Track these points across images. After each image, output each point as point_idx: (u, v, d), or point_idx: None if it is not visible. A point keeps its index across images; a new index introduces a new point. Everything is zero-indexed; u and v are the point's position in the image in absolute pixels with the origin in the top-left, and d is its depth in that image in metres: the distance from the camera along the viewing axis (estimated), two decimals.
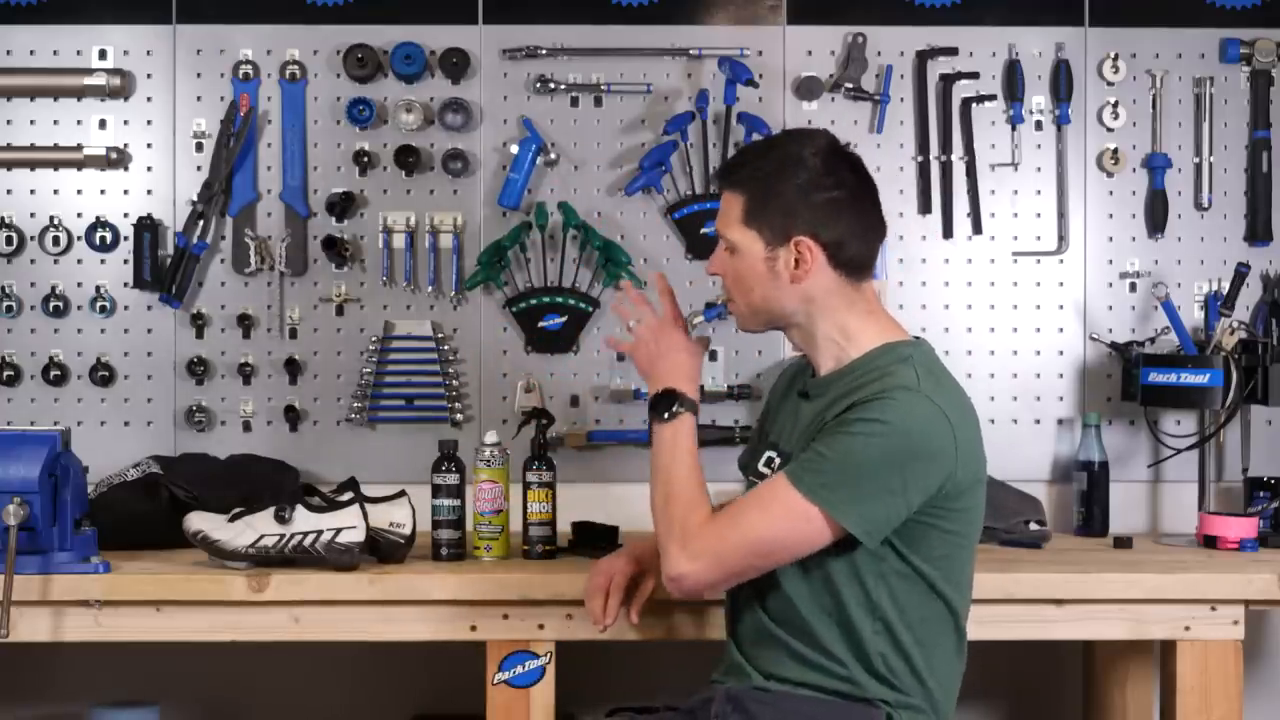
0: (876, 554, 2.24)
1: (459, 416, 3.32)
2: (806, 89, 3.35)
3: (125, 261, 3.31)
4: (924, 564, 2.26)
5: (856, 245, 2.33)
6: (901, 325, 2.40)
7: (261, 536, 2.68)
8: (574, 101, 3.36)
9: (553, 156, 3.33)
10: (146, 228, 3.30)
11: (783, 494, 2.22)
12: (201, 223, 3.30)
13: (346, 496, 2.72)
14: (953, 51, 3.37)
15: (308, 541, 2.68)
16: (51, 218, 3.32)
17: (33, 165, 3.33)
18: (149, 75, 3.34)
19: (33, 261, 3.33)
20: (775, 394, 2.56)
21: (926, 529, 2.25)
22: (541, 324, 3.33)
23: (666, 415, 2.37)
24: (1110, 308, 3.38)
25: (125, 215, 3.32)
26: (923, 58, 3.36)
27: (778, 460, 2.37)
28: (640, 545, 2.57)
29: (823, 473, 2.20)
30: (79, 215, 3.33)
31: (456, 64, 3.32)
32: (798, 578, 2.28)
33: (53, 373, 3.31)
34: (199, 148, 3.33)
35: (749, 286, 2.35)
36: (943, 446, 2.23)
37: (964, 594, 2.34)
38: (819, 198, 2.31)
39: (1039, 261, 3.38)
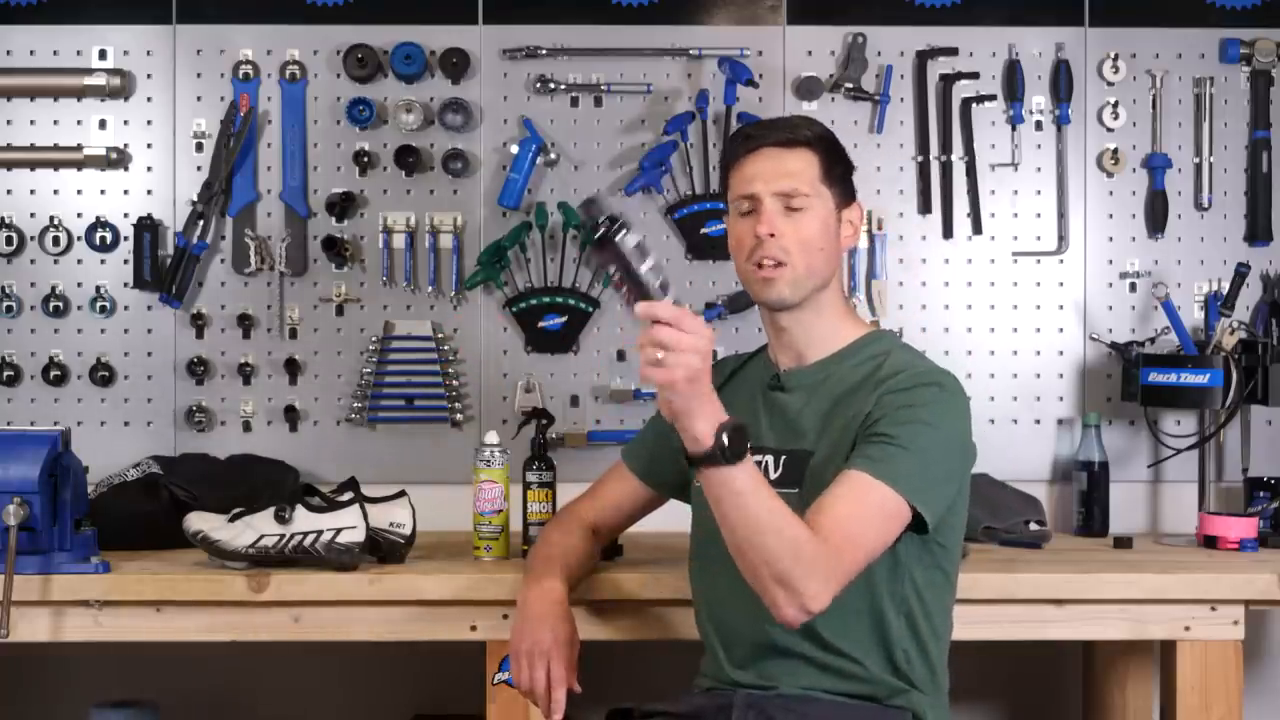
0: (917, 542, 2.23)
1: (459, 416, 3.32)
2: (806, 89, 3.35)
3: (125, 261, 3.31)
4: (941, 550, 2.26)
5: None
6: None
7: (261, 536, 2.68)
8: (574, 101, 3.36)
9: (553, 156, 3.33)
10: (146, 228, 3.30)
11: (877, 495, 2.15)
12: (201, 223, 3.30)
13: (346, 496, 2.72)
14: (953, 51, 3.37)
15: (308, 541, 2.68)
16: (51, 218, 3.32)
17: (33, 165, 3.33)
18: (149, 75, 3.34)
19: (33, 261, 3.33)
20: None
21: (949, 512, 2.26)
22: (541, 324, 3.33)
23: (744, 454, 2.04)
24: (1110, 308, 3.38)
25: (125, 215, 3.32)
26: (923, 58, 3.36)
27: (770, 460, 2.31)
28: (561, 594, 2.39)
29: (903, 463, 2.17)
30: (79, 215, 3.33)
31: (456, 64, 3.32)
32: None
33: (53, 373, 3.31)
34: (199, 148, 3.33)
35: (818, 247, 2.31)
36: (970, 419, 2.29)
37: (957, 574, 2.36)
38: (850, 170, 2.40)
39: (1039, 261, 3.39)
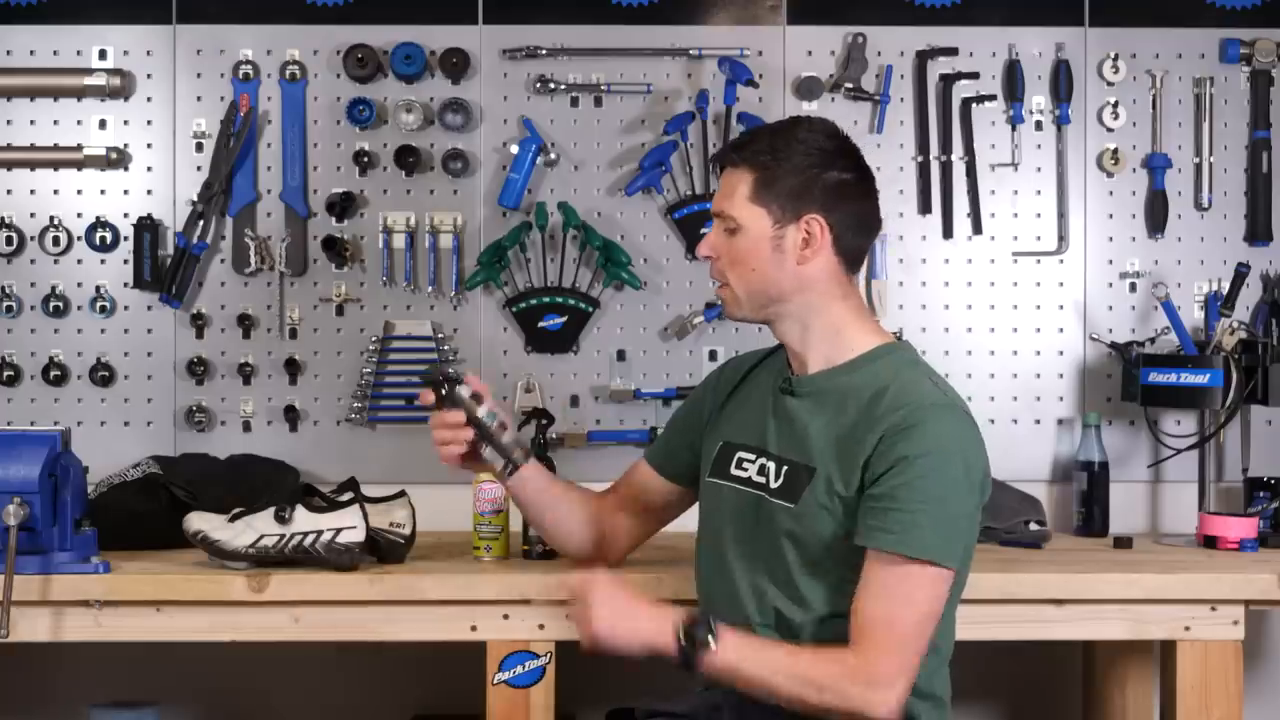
0: None
1: None
2: (806, 89, 3.35)
3: (125, 261, 3.31)
4: (959, 571, 2.25)
5: (858, 232, 2.33)
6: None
7: (261, 536, 2.68)
8: (574, 101, 3.36)
9: (553, 156, 3.33)
10: (146, 228, 3.30)
11: (911, 573, 2.16)
12: (201, 223, 3.30)
13: (346, 496, 2.72)
14: (953, 51, 3.37)
15: (308, 541, 2.68)
16: (51, 218, 3.32)
17: (33, 165, 3.33)
18: (149, 75, 3.34)
19: (33, 261, 3.33)
20: (716, 393, 2.50)
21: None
22: (541, 324, 3.33)
23: (712, 643, 2.16)
24: (1110, 308, 3.38)
25: (125, 215, 3.32)
26: (923, 58, 3.36)
27: (772, 466, 2.31)
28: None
29: (920, 528, 2.16)
30: (79, 215, 3.33)
31: (456, 64, 3.32)
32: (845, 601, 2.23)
33: (53, 373, 3.31)
34: (199, 148, 3.33)
35: (750, 266, 2.29)
36: (982, 449, 2.26)
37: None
38: (830, 178, 2.28)
39: (1039, 261, 3.39)
